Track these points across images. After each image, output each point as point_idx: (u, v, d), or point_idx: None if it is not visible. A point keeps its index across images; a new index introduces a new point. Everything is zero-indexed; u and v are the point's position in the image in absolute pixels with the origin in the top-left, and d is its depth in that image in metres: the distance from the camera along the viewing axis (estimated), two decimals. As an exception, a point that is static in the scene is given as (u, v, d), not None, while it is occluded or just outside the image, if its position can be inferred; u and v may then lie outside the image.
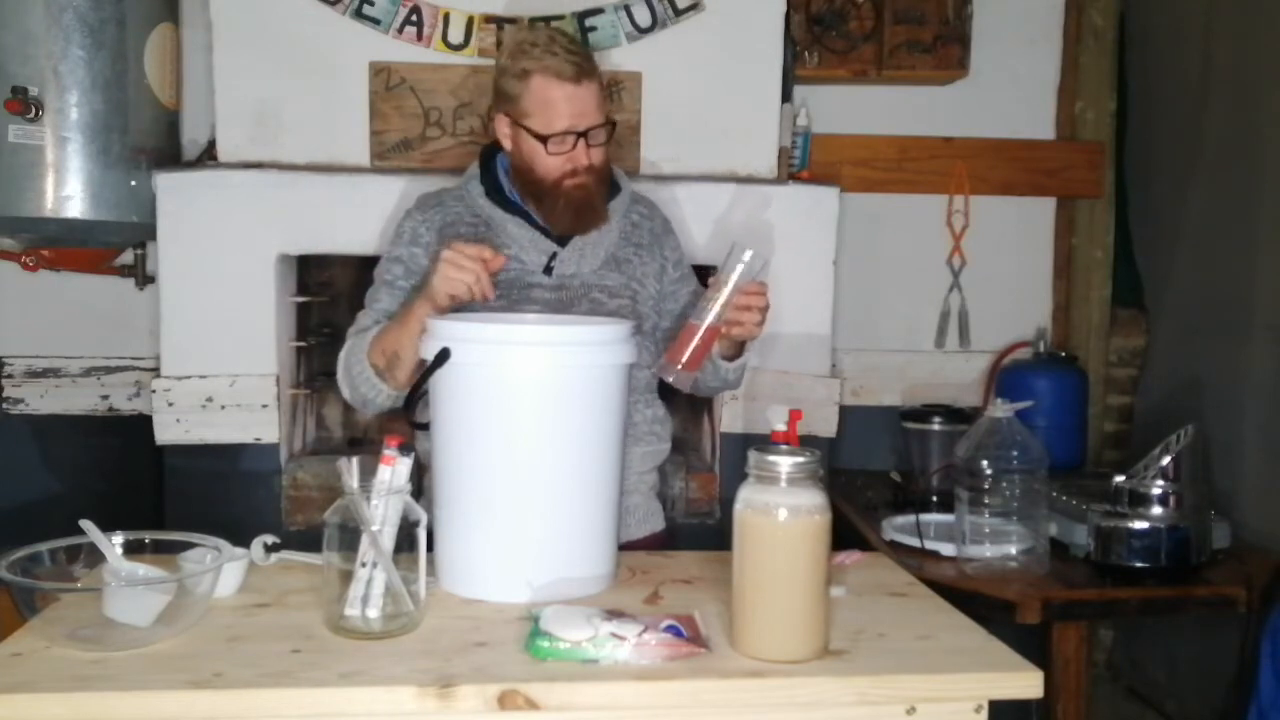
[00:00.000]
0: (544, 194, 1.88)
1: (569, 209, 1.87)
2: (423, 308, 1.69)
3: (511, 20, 2.48)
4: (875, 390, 2.99)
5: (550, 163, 1.85)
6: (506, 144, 1.91)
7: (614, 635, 1.27)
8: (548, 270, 1.90)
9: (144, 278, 2.72)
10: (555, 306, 1.89)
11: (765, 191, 2.56)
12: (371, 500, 1.36)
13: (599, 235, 1.94)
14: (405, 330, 1.72)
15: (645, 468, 1.97)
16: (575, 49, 1.85)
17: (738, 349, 1.87)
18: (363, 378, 1.81)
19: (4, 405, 2.78)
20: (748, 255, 1.67)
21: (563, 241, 1.92)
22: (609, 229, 1.96)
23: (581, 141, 1.83)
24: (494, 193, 1.93)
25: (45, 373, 2.79)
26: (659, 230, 2.05)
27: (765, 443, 1.40)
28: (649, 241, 2.02)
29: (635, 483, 1.94)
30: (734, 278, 1.67)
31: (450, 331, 1.52)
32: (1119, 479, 2.07)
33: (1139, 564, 2.02)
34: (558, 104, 1.81)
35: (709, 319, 1.68)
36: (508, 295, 1.88)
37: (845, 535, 2.31)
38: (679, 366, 1.69)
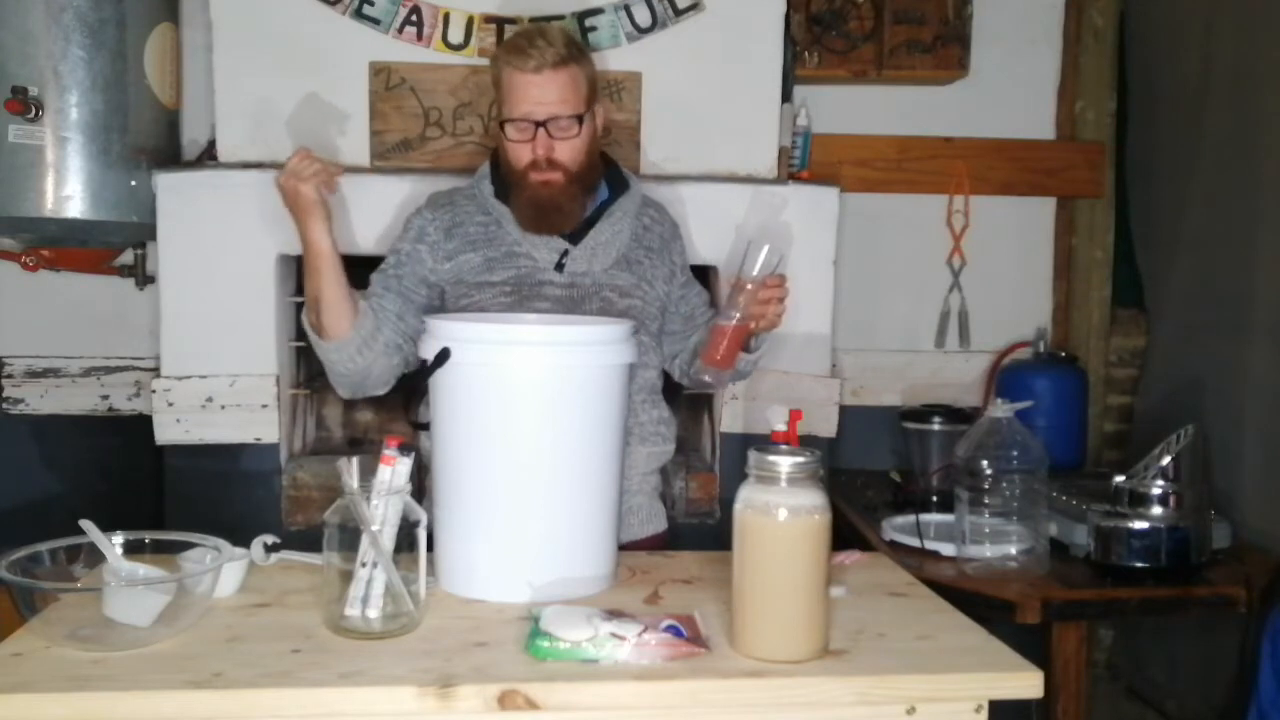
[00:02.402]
0: (512, 186, 1.90)
1: (531, 205, 1.88)
2: (302, 227, 1.78)
3: (512, 20, 2.48)
4: (875, 390, 2.99)
5: (513, 151, 1.87)
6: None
7: (614, 635, 1.27)
8: (559, 267, 1.90)
9: (144, 278, 2.72)
10: (566, 304, 1.89)
11: (765, 191, 2.56)
12: (371, 500, 1.36)
13: (611, 235, 1.94)
14: (310, 270, 1.78)
15: (649, 468, 1.97)
16: (549, 43, 1.84)
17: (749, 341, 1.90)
18: (314, 343, 1.85)
19: (4, 405, 2.78)
20: (765, 250, 1.75)
21: (574, 239, 1.92)
22: (620, 229, 1.96)
23: (542, 132, 1.84)
24: (504, 191, 1.93)
25: (45, 373, 2.79)
26: (668, 235, 2.06)
27: (765, 443, 1.40)
28: (659, 246, 2.02)
29: (639, 483, 1.95)
30: (756, 272, 1.75)
31: (450, 331, 1.52)
32: (1119, 479, 2.07)
33: (1139, 564, 2.02)
34: (516, 90, 1.84)
35: (737, 316, 1.77)
36: (519, 292, 1.89)
37: (845, 535, 2.31)
38: (716, 365, 1.80)
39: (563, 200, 1.88)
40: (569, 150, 1.86)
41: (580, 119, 1.86)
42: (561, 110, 1.84)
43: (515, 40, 1.90)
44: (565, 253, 1.90)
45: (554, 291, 1.90)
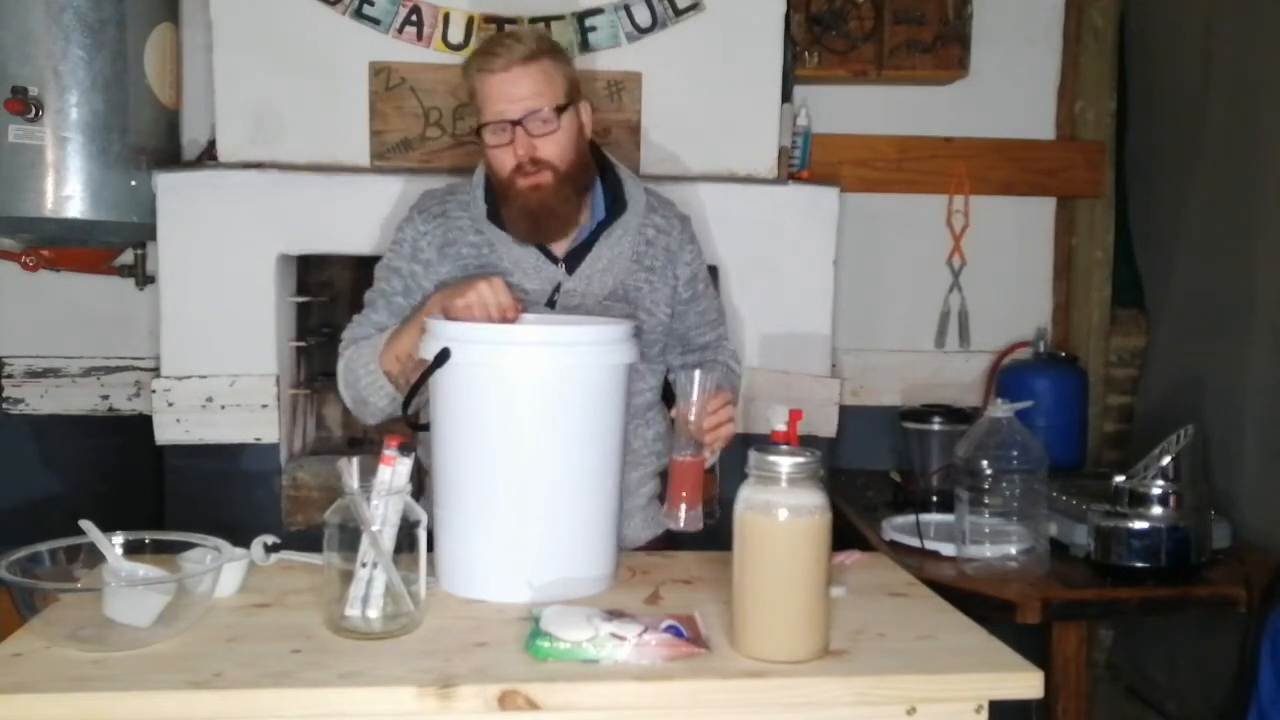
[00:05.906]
0: (502, 197, 1.81)
1: (524, 215, 1.78)
2: (435, 307, 1.67)
3: (512, 20, 2.48)
4: (875, 390, 2.99)
5: (496, 160, 1.78)
6: None
7: (614, 635, 1.27)
8: (551, 304, 1.83)
9: (144, 278, 2.72)
10: None
11: (765, 191, 2.56)
12: (371, 500, 1.36)
13: (609, 260, 1.85)
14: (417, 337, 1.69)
15: (643, 486, 1.93)
16: (518, 40, 1.77)
17: None
18: (374, 387, 1.76)
19: (4, 405, 2.78)
20: (697, 376, 1.66)
21: (569, 267, 1.84)
22: (620, 252, 1.86)
23: (520, 131, 1.74)
24: (496, 215, 1.85)
25: (45, 373, 2.79)
26: (675, 245, 1.94)
27: (765, 443, 1.40)
28: (663, 263, 1.91)
29: (631, 498, 1.89)
30: (694, 405, 1.65)
31: (450, 331, 1.52)
32: (1119, 479, 2.07)
33: (1139, 564, 2.02)
34: (488, 92, 1.76)
35: (689, 453, 1.66)
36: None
37: (845, 535, 2.31)
38: (683, 509, 1.66)
39: (555, 203, 1.78)
40: (553, 147, 1.76)
41: (560, 111, 1.76)
42: (537, 104, 1.73)
43: (483, 45, 1.82)
44: (558, 288, 1.83)
45: None
